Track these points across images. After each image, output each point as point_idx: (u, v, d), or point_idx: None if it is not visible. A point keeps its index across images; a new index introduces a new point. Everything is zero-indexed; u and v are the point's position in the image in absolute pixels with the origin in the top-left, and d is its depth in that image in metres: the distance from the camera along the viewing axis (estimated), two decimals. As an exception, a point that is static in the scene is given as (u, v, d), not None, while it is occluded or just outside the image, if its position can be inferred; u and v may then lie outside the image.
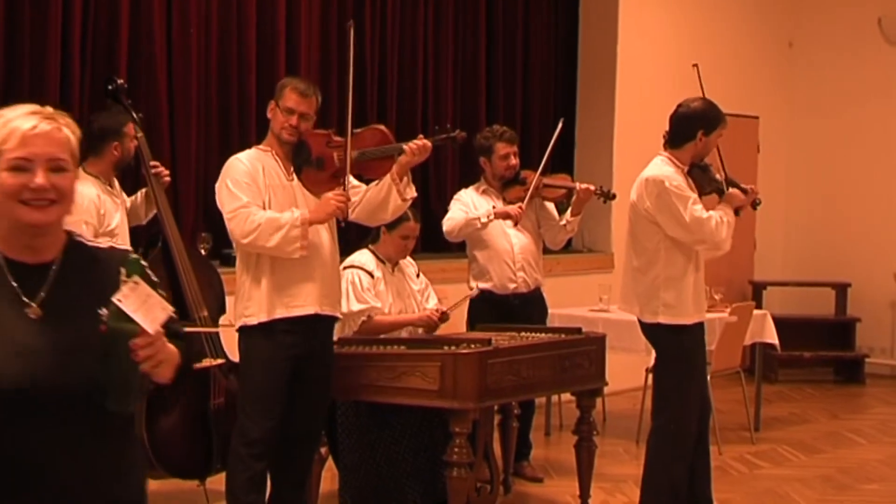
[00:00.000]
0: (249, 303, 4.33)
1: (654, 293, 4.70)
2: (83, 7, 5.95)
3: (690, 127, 4.70)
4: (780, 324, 7.16)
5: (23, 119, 2.12)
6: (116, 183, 4.94)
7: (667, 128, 4.78)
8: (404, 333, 5.15)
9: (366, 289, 5.03)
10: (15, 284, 2.13)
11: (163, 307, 2.07)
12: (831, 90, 9.51)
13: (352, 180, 4.55)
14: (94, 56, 6.02)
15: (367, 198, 4.52)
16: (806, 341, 8.82)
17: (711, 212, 4.65)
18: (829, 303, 9.24)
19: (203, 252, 5.34)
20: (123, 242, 4.04)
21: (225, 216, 4.33)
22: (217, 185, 4.39)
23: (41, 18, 5.79)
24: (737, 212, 4.85)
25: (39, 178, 2.09)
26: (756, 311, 6.97)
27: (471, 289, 5.66)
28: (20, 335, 2.09)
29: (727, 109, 4.82)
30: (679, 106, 4.77)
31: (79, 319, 2.10)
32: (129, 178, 5.30)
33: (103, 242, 2.34)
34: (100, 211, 4.65)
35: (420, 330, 5.22)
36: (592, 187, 5.71)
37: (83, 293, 2.14)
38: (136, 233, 5.04)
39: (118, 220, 4.79)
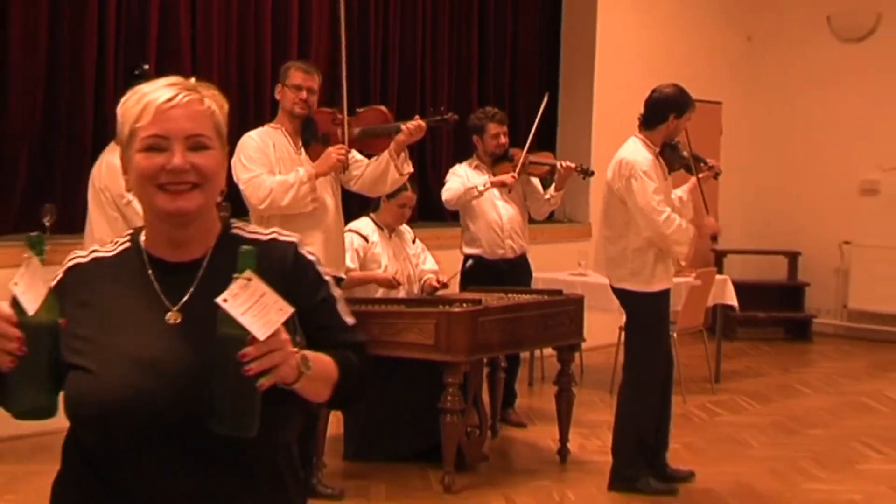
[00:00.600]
0: None
1: (622, 262, 4.65)
2: (117, 1, 5.94)
3: (663, 111, 4.65)
4: (739, 287, 7.17)
5: (159, 91, 1.62)
6: None
7: (641, 111, 4.73)
8: (402, 294, 5.14)
9: (354, 249, 5.01)
10: (157, 284, 1.64)
11: (280, 308, 1.51)
12: (786, 80, 9.48)
13: (355, 155, 4.54)
14: (127, 45, 5.99)
15: (368, 171, 4.53)
16: (761, 303, 8.82)
17: (675, 215, 4.54)
18: (782, 269, 9.26)
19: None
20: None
21: (240, 187, 4.33)
22: (232, 161, 4.37)
23: (80, 12, 5.78)
24: (714, 238, 4.88)
25: (177, 159, 1.59)
26: (717, 276, 6.98)
27: (467, 264, 5.67)
28: (151, 343, 1.59)
29: (693, 95, 4.78)
30: (653, 91, 4.72)
31: None
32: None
33: (265, 232, 1.74)
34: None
35: (416, 290, 5.22)
36: (573, 165, 5.71)
37: None
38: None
39: None
